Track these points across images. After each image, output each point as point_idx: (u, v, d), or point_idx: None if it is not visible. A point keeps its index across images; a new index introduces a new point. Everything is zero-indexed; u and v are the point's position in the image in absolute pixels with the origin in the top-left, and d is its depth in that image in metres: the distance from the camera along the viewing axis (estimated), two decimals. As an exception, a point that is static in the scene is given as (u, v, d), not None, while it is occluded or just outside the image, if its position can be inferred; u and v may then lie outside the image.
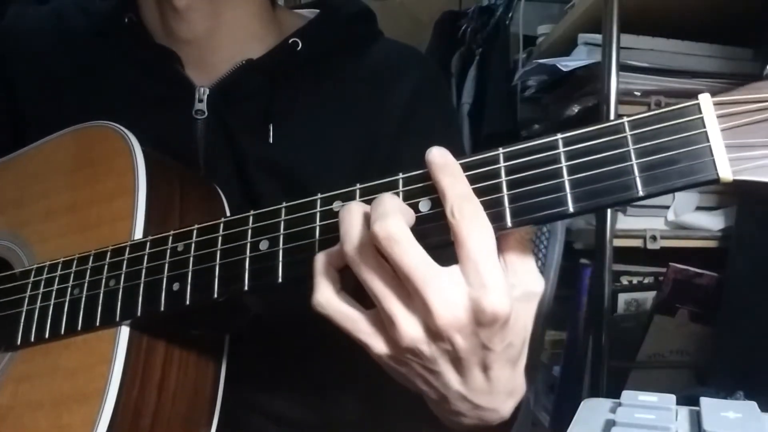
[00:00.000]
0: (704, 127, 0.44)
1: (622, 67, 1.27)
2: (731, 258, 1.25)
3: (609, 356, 1.28)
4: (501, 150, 0.49)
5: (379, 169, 0.76)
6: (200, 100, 0.76)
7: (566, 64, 1.43)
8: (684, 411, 0.41)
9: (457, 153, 0.86)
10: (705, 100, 0.44)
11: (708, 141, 0.44)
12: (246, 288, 0.55)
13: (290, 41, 0.78)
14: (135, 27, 0.79)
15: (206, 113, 0.76)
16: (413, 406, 0.57)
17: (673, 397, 0.41)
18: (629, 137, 0.45)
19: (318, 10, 0.84)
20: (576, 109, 1.48)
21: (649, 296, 1.37)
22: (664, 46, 1.34)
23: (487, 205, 0.47)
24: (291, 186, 0.75)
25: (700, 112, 0.44)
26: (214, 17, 0.77)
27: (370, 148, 0.77)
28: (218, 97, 0.76)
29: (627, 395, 0.41)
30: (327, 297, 0.49)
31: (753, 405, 0.39)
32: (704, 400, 0.40)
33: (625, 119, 0.46)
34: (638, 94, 1.32)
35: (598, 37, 1.33)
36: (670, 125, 0.45)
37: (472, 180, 0.48)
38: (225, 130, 0.76)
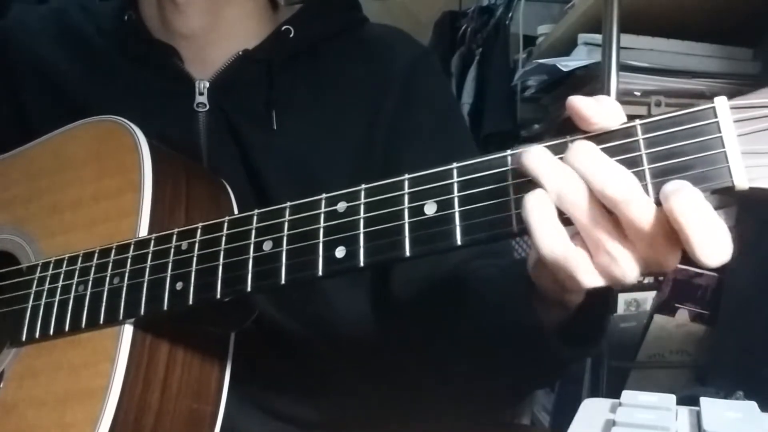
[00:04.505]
0: (720, 132, 0.42)
1: (622, 67, 1.27)
2: (731, 258, 1.25)
3: (609, 356, 1.28)
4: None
5: (384, 146, 0.77)
6: (201, 93, 0.77)
7: (566, 64, 1.43)
8: (684, 411, 0.41)
9: (460, 118, 0.87)
10: (721, 103, 0.42)
11: (723, 147, 0.42)
12: (249, 289, 0.54)
13: (283, 28, 0.80)
14: (134, 23, 0.79)
15: (207, 106, 0.77)
16: (418, 403, 0.57)
17: (673, 397, 0.41)
18: (641, 141, 0.44)
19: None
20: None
21: (649, 296, 1.37)
22: (664, 46, 1.34)
23: None
24: (297, 172, 0.75)
25: (716, 116, 0.42)
26: (213, 12, 0.78)
27: (372, 125, 0.78)
28: (218, 90, 0.77)
29: (627, 395, 0.41)
30: (563, 242, 0.44)
31: (753, 405, 0.39)
32: (704, 400, 0.40)
33: (638, 122, 0.44)
34: (638, 94, 1.32)
35: (598, 37, 1.33)
36: (684, 129, 0.43)
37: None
38: (227, 121, 0.76)
